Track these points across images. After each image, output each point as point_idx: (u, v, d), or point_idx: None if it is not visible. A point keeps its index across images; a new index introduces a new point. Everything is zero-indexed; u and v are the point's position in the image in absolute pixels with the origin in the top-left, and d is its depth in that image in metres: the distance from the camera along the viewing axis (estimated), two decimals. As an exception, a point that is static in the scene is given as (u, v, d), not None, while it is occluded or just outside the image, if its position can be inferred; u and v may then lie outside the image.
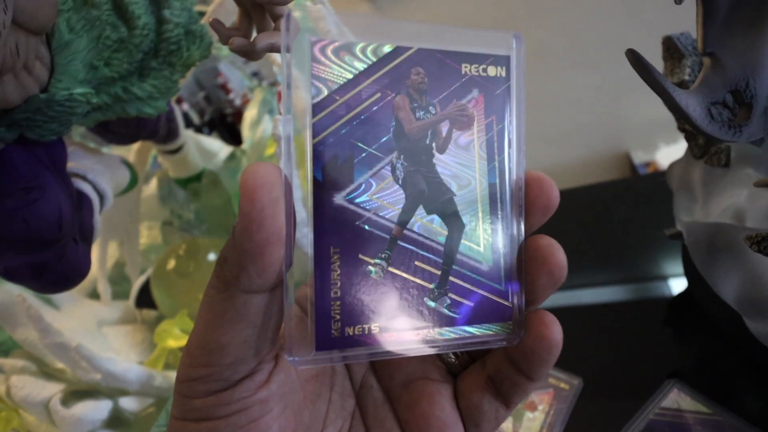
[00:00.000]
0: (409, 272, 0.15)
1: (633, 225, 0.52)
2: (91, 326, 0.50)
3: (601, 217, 0.54)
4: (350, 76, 0.14)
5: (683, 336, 0.39)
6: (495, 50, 0.16)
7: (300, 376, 0.16)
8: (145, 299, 0.53)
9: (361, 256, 0.14)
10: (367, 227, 0.14)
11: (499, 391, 0.16)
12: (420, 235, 0.15)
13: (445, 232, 0.15)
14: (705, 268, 0.29)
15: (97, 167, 0.40)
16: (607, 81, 1.31)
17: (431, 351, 0.15)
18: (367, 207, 0.14)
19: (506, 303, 0.15)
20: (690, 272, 0.37)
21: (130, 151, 0.57)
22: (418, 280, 0.15)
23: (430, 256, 0.15)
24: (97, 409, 0.39)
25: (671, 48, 0.37)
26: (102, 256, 0.55)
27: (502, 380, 0.16)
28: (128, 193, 0.51)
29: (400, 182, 0.15)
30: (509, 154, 0.16)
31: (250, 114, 0.64)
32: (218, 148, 0.65)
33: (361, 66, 0.14)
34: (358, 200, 0.14)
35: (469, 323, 0.15)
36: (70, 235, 0.29)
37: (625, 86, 1.24)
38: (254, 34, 0.27)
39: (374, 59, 0.15)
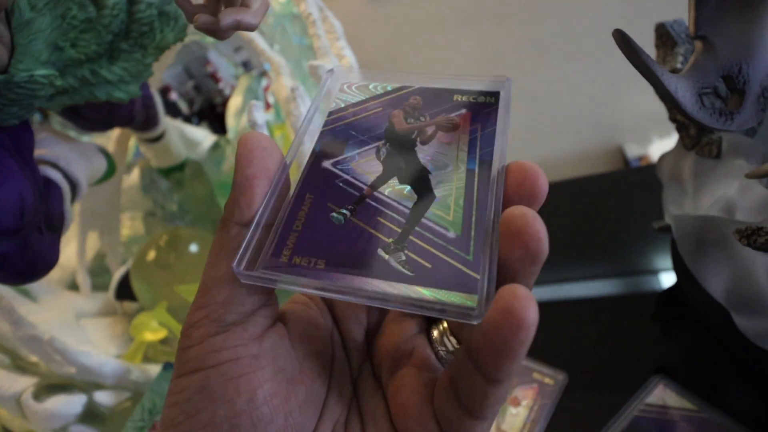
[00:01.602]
0: (369, 225, 0.16)
1: (623, 218, 0.51)
2: (69, 318, 0.49)
3: (590, 210, 0.53)
4: (363, 97, 0.19)
5: (671, 331, 0.38)
6: (485, 87, 0.19)
7: (297, 347, 0.16)
8: (126, 291, 0.52)
9: (329, 204, 0.16)
10: (341, 184, 0.17)
11: (460, 397, 0.13)
12: (389, 197, 0.16)
13: (415, 198, 0.16)
14: (693, 262, 0.28)
15: (71, 155, 0.38)
16: (600, 74, 1.30)
17: (373, 303, 0.14)
18: (348, 172, 0.17)
19: (472, 274, 0.14)
20: (678, 266, 0.36)
21: (110, 140, 0.55)
22: (377, 233, 0.15)
23: (395, 215, 0.16)
24: (71, 404, 0.38)
25: (664, 35, 0.36)
26: (81, 246, 0.54)
27: (460, 380, 0.13)
28: (108, 182, 0.50)
29: (381, 159, 0.17)
30: (490, 151, 0.17)
31: (234, 102, 0.63)
32: (202, 137, 0.64)
33: (372, 92, 0.19)
34: (341, 166, 0.17)
35: (424, 285, 0.14)
36: (33, 224, 0.28)
37: (618, 80, 1.23)
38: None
39: (383, 91, 0.19)
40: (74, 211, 0.55)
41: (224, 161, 0.62)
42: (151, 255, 0.48)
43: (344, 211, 0.16)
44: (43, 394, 0.38)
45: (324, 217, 0.16)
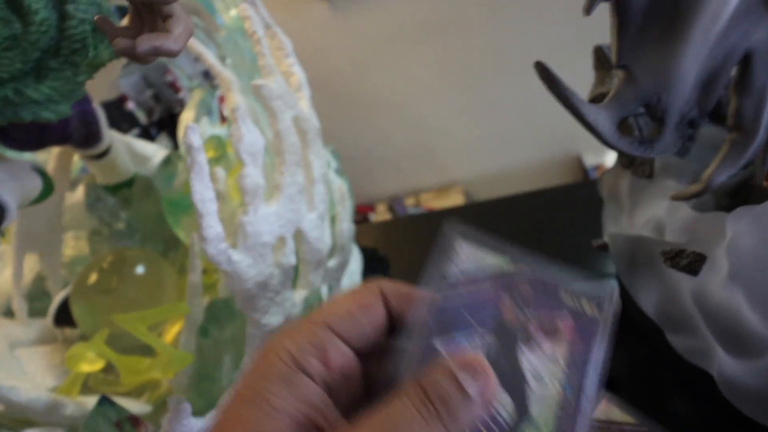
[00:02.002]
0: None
1: (574, 232, 0.52)
2: (2, 348, 0.46)
3: (541, 225, 0.54)
4: (477, 269, 0.19)
5: (616, 346, 0.39)
6: (592, 291, 0.19)
7: None
8: (66, 317, 0.49)
9: None
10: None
11: None
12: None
13: (510, 408, 0.17)
14: (627, 280, 0.29)
15: (-1, 176, 0.36)
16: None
17: None
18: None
19: None
20: (620, 282, 0.37)
21: (50, 156, 0.53)
22: None
23: (489, 422, 0.16)
24: (-2, 443, 0.35)
25: (601, 58, 0.37)
26: (17, 270, 0.51)
27: None
28: (48, 201, 0.48)
29: (485, 353, 0.17)
30: (586, 381, 0.17)
31: (186, 116, 0.61)
32: (152, 151, 0.62)
33: (485, 265, 0.19)
34: (448, 348, 0.18)
35: None
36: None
37: (576, 89, 1.27)
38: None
39: (495, 266, 0.19)
40: (10, 233, 0.52)
41: (176, 177, 0.60)
42: (93, 278, 0.46)
43: None
44: (-33, 434, 0.35)
45: None
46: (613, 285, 0.19)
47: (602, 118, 0.20)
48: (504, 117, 1.46)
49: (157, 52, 0.20)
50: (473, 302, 0.18)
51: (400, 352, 0.17)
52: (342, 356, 0.17)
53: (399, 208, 1.71)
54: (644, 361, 0.36)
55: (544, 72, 0.19)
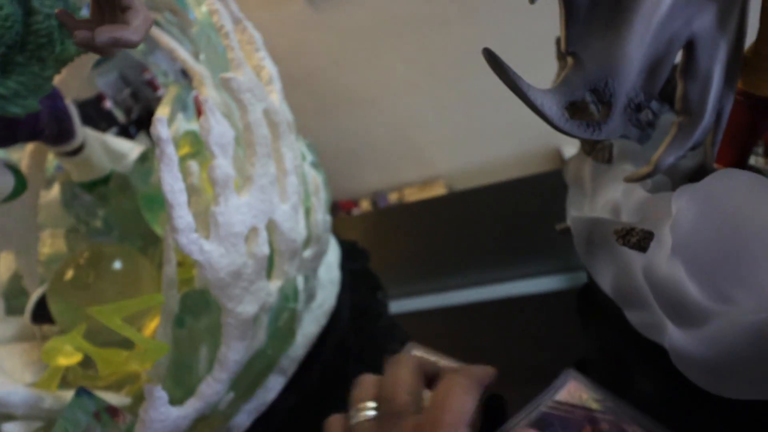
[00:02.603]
0: None
1: (548, 218, 0.54)
2: (-21, 346, 0.46)
3: (514, 212, 0.56)
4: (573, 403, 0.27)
5: (587, 328, 0.41)
6: None
7: None
8: (44, 314, 0.49)
9: None
10: None
11: None
12: None
13: None
14: (587, 261, 0.30)
15: (-32, 172, 0.36)
16: (539, 78, 1.36)
17: None
18: None
19: None
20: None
21: (24, 153, 0.52)
22: None
23: None
24: (-26, 439, 0.35)
25: (564, 48, 0.38)
26: (-7, 268, 0.50)
27: None
28: (23, 199, 0.47)
29: None
30: None
31: (161, 113, 0.61)
32: (128, 148, 0.62)
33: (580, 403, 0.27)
34: None
35: None
36: None
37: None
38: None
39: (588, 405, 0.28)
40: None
41: (152, 174, 0.60)
42: (69, 274, 0.46)
43: None
44: (-59, 430, 0.35)
45: None
46: None
47: (549, 101, 0.21)
48: (485, 111, 1.47)
49: (117, 44, 0.20)
50: (564, 419, 0.25)
51: None
52: None
53: (382, 204, 1.72)
54: (608, 340, 0.38)
55: (491, 58, 0.20)
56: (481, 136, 1.47)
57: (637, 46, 0.24)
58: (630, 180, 0.27)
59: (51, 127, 0.43)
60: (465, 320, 0.47)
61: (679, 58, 0.27)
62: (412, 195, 1.72)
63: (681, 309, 0.22)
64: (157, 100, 1.26)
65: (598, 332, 0.40)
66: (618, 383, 0.35)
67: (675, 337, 0.24)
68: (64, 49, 0.33)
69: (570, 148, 1.44)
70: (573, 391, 0.35)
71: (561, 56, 0.39)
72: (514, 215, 0.57)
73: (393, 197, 1.76)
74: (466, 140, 1.50)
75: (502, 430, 0.34)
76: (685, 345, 0.23)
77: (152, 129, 0.29)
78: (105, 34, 0.20)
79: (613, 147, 0.33)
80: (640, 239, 0.24)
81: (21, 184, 0.43)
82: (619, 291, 0.28)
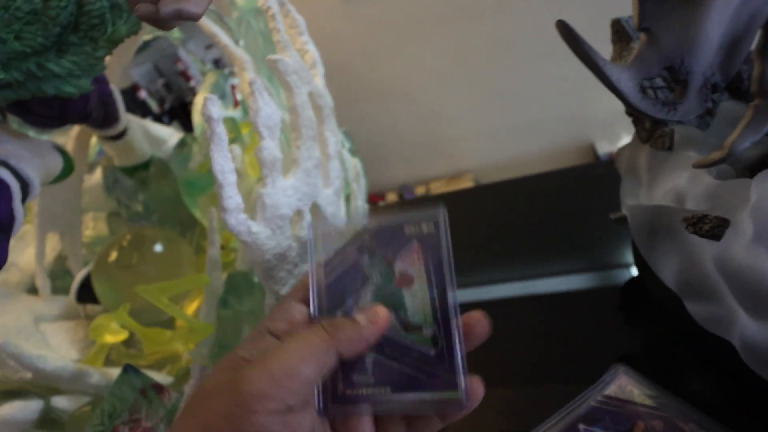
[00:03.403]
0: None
1: (589, 211, 0.52)
2: (28, 323, 0.47)
3: (556, 205, 0.54)
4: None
5: (634, 322, 0.39)
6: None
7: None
8: (88, 294, 0.50)
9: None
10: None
11: (412, 424, 0.23)
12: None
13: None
14: (647, 251, 0.29)
15: (22, 152, 0.37)
16: (572, 72, 1.32)
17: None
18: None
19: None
20: (637, 257, 0.37)
21: (69, 138, 0.54)
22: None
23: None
24: (26, 410, 0.37)
25: (619, 31, 0.37)
26: (40, 249, 0.52)
27: (416, 418, 0.23)
28: (67, 182, 0.48)
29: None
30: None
31: (200, 98, 0.61)
32: (168, 134, 0.62)
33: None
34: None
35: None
36: (-25, 224, 0.27)
37: (589, 77, 1.25)
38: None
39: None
40: (32, 212, 0.53)
41: (191, 159, 0.60)
42: (113, 255, 0.47)
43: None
44: (-3, 401, 0.36)
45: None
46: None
47: (625, 78, 0.20)
48: (516, 105, 1.44)
49: (180, 16, 0.20)
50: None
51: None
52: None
53: (409, 197, 1.71)
54: (661, 334, 0.36)
55: (566, 31, 0.19)
56: (512, 131, 1.45)
57: (717, 23, 0.22)
58: (699, 166, 0.25)
59: (98, 110, 0.44)
60: (499, 316, 0.46)
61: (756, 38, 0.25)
62: (439, 189, 1.71)
63: (762, 299, 0.20)
64: (190, 90, 1.27)
65: (647, 327, 0.38)
66: (671, 379, 0.33)
67: (749, 330, 0.22)
68: (115, 30, 0.34)
69: (605, 144, 1.40)
70: (623, 386, 0.34)
71: (616, 39, 0.37)
72: (551, 207, 0.55)
73: (420, 190, 1.75)
74: (496, 134, 1.47)
75: (548, 424, 0.33)
76: (760, 338, 0.22)
77: (203, 108, 0.29)
78: (169, 6, 0.20)
79: (674, 133, 0.32)
80: (714, 227, 0.23)
81: (69, 166, 0.44)
82: (683, 282, 0.27)
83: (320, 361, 0.21)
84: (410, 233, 0.25)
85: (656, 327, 0.37)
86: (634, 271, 0.43)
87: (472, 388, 0.22)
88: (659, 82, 0.32)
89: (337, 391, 0.23)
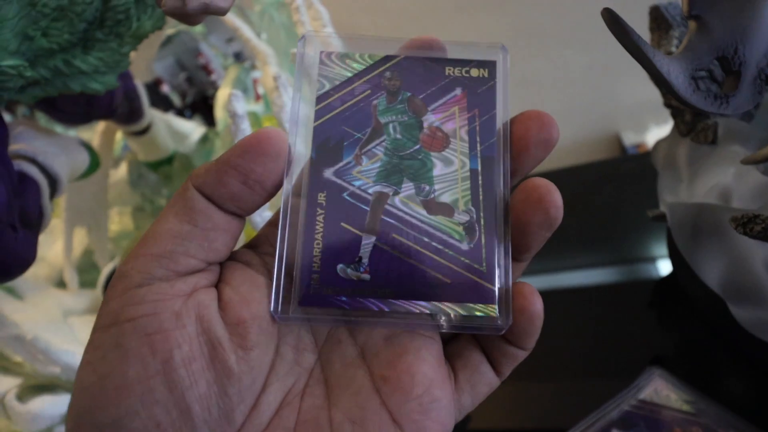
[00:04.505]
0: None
1: (619, 206, 0.50)
2: (56, 316, 0.48)
3: (585, 199, 0.53)
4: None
5: (667, 321, 0.38)
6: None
7: (234, 308, 0.14)
8: (114, 288, 0.51)
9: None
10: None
11: (490, 359, 0.16)
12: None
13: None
14: (688, 251, 0.27)
15: (50, 149, 0.37)
16: (597, 61, 1.29)
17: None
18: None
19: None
20: (674, 255, 0.36)
21: (95, 133, 0.54)
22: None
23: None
24: (55, 404, 0.37)
25: (658, 18, 0.35)
26: (68, 243, 0.53)
27: (491, 348, 0.16)
28: (94, 177, 0.49)
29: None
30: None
31: (222, 93, 0.61)
32: (190, 129, 0.63)
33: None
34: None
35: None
36: (6, 222, 0.27)
37: (615, 66, 1.21)
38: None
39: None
40: (60, 207, 0.54)
41: (213, 154, 0.61)
42: (138, 251, 0.48)
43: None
44: (27, 395, 0.37)
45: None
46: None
47: (675, 69, 0.19)
48: (538, 95, 1.41)
49: (207, 10, 0.20)
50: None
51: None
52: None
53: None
54: (699, 337, 0.35)
55: (613, 20, 0.18)
56: (534, 121, 1.42)
57: (774, 7, 0.21)
58: (750, 162, 0.24)
59: (123, 106, 0.44)
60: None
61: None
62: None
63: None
64: (211, 84, 1.28)
65: (683, 327, 0.37)
66: (709, 384, 0.32)
67: (803, 338, 0.21)
68: (140, 26, 0.33)
69: (631, 134, 1.36)
70: (659, 390, 0.32)
71: (654, 27, 0.35)
72: (581, 203, 0.53)
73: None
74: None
75: (579, 428, 0.32)
76: (815, 348, 0.21)
77: (228, 104, 0.28)
78: (196, 0, 0.19)
79: (718, 127, 0.30)
80: (766, 227, 0.21)
81: (95, 162, 0.45)
82: (729, 284, 0.25)
83: None
84: (452, 76, 0.17)
85: (693, 328, 0.36)
86: (663, 267, 0.42)
87: (519, 302, 0.15)
88: (702, 72, 0.31)
89: (310, 285, 0.15)
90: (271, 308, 0.15)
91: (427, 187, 0.16)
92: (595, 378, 0.36)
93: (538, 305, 0.15)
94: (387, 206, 0.16)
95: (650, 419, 0.30)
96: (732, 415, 0.30)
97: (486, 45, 0.18)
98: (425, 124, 0.17)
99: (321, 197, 0.16)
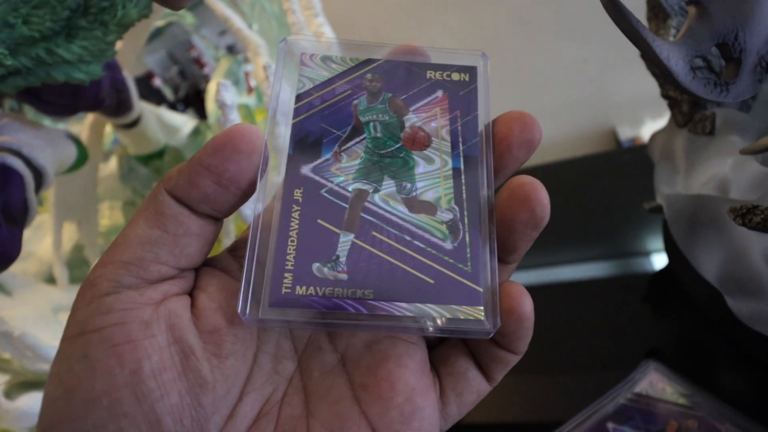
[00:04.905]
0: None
1: (614, 199, 0.50)
2: (46, 312, 0.47)
3: (580, 192, 0.52)
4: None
5: (663, 314, 0.38)
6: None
7: (207, 316, 0.14)
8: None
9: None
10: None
11: (480, 364, 0.15)
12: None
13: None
14: (685, 243, 0.27)
15: (35, 141, 0.36)
16: (593, 54, 1.28)
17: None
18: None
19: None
20: (670, 248, 0.35)
21: (83, 126, 0.53)
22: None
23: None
24: (45, 401, 0.37)
25: (656, 7, 0.34)
26: (57, 238, 0.52)
27: (480, 353, 0.15)
28: (83, 171, 0.48)
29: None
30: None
31: (214, 86, 0.60)
32: (182, 122, 0.62)
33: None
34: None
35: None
36: (-13, 215, 0.26)
37: (611, 60, 1.21)
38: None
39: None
40: (49, 202, 0.53)
41: (205, 147, 0.60)
42: (129, 245, 0.47)
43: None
44: (15, 392, 0.36)
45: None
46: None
47: (675, 55, 0.18)
48: (533, 88, 1.41)
49: (191, -7, 0.19)
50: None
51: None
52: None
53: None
54: (695, 329, 0.35)
55: (612, 4, 0.17)
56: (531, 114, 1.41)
57: (776, -8, 0.20)
58: (748, 152, 0.23)
59: (111, 97, 0.43)
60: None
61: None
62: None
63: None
64: (204, 78, 1.26)
65: (678, 320, 0.37)
66: (705, 377, 0.32)
67: (801, 331, 0.21)
68: (125, 14, 0.32)
69: (626, 128, 1.36)
70: (654, 383, 0.32)
71: (652, 16, 0.35)
72: (575, 195, 0.53)
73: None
74: (513, 119, 1.44)
75: (574, 422, 0.31)
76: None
77: (217, 95, 0.27)
78: (180, -18, 0.18)
79: (716, 117, 0.30)
80: (766, 218, 0.21)
81: (82, 155, 0.44)
82: (726, 276, 0.25)
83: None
84: (433, 79, 0.17)
85: (689, 321, 0.35)
86: (659, 260, 0.41)
87: (507, 303, 0.14)
88: (699, 61, 0.30)
89: (282, 284, 0.14)
90: (239, 309, 0.13)
91: (409, 185, 0.16)
92: (591, 371, 0.36)
93: (527, 306, 0.14)
94: (367, 203, 0.15)
95: (646, 412, 0.30)
96: (728, 408, 0.30)
97: (467, 52, 0.18)
98: (407, 124, 0.17)
99: (297, 193, 0.15)
